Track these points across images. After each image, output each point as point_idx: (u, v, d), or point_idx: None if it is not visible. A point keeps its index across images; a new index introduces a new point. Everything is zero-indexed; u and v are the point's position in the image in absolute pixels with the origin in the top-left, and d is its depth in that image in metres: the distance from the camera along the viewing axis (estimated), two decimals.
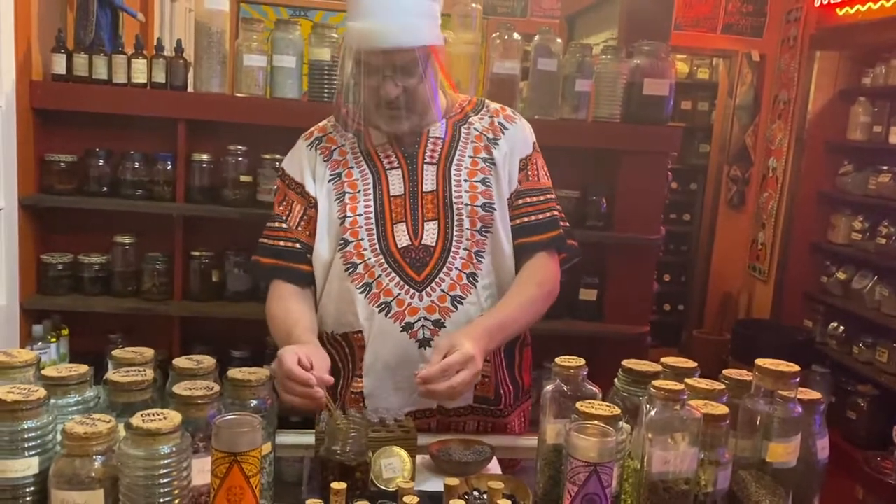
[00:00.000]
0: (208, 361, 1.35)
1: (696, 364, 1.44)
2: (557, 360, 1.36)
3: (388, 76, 1.52)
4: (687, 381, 1.34)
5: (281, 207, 1.68)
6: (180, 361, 1.35)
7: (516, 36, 2.57)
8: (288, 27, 2.52)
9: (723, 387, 1.35)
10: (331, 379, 1.42)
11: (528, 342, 1.80)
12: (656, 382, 1.23)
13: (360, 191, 1.62)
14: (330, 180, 1.64)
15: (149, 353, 1.37)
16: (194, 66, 2.52)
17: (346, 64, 1.57)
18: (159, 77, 2.49)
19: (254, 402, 1.28)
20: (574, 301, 2.65)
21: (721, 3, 5.21)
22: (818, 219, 4.74)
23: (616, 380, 1.41)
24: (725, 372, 1.43)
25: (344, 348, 1.65)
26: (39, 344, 2.46)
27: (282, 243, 1.65)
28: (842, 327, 4.39)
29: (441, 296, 1.58)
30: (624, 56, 2.60)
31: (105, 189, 2.54)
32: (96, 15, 2.61)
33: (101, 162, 2.54)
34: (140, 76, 2.48)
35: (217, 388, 1.23)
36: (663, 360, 1.46)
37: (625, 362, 1.41)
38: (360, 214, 1.61)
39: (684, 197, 5.82)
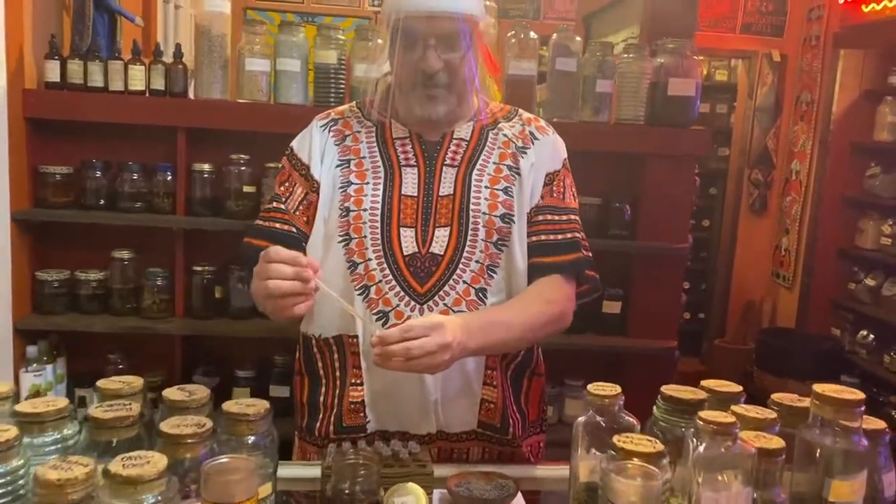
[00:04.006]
0: (201, 392, 1.22)
1: (740, 388, 1.31)
2: (591, 387, 1.22)
3: (431, 46, 1.40)
4: (734, 408, 1.20)
5: (282, 188, 1.54)
6: (171, 393, 1.22)
7: (532, 35, 2.44)
8: (292, 29, 2.40)
9: (774, 415, 1.21)
10: (317, 264, 1.32)
11: (541, 371, 1.64)
12: (704, 414, 1.09)
13: (368, 183, 1.49)
14: (338, 166, 1.51)
15: (137, 382, 1.25)
16: (194, 72, 2.41)
17: (381, 37, 1.46)
18: (158, 84, 2.37)
19: (252, 439, 1.15)
20: (597, 314, 2.50)
21: (740, 3, 5.07)
22: (845, 223, 4.58)
23: (655, 408, 1.27)
24: (775, 397, 1.29)
25: (334, 354, 1.51)
26: (34, 366, 2.35)
27: (278, 225, 1.51)
28: (871, 336, 4.23)
29: (443, 311, 1.44)
30: (647, 54, 2.46)
31: (102, 202, 2.43)
32: (93, 20, 2.50)
33: (98, 174, 2.42)
34: (138, 83, 2.36)
35: (209, 424, 1.11)
36: (704, 383, 1.32)
37: (664, 389, 1.27)
38: (364, 209, 1.47)
39: (704, 202, 5.67)
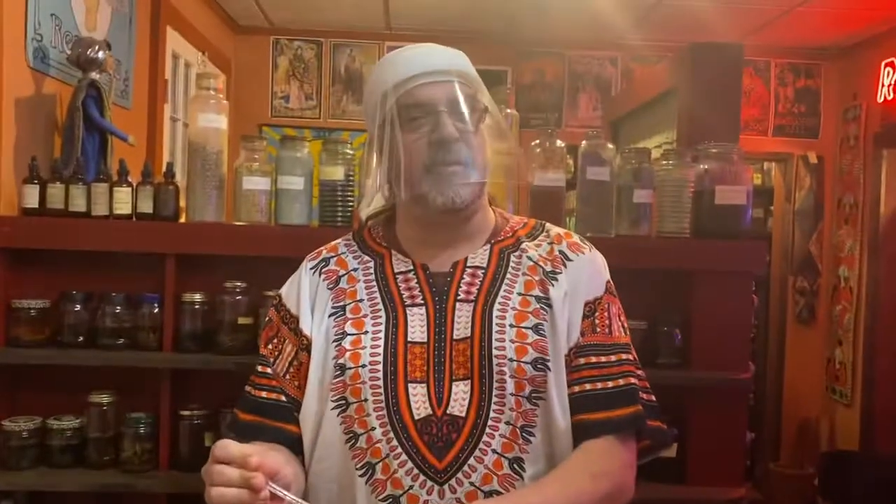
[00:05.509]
0: None
1: None
2: None
3: (443, 112, 1.19)
4: None
5: (269, 347, 1.30)
6: None
7: (559, 143, 2.21)
8: (295, 145, 2.18)
9: None
10: (275, 469, 1.04)
11: None
12: None
13: (367, 332, 1.22)
14: (332, 314, 1.25)
15: None
16: (187, 193, 2.19)
17: (373, 127, 1.27)
18: (146, 206, 2.14)
19: None
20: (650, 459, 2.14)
21: (771, 105, 4.90)
22: None
23: None
24: None
25: None
26: None
27: (265, 394, 1.26)
28: None
29: (470, 492, 1.14)
30: (689, 161, 2.21)
31: (81, 339, 2.15)
32: (82, 141, 2.32)
33: (78, 307, 2.16)
34: (123, 206, 2.14)
35: None
36: None
37: None
38: (363, 365, 1.19)
39: None
